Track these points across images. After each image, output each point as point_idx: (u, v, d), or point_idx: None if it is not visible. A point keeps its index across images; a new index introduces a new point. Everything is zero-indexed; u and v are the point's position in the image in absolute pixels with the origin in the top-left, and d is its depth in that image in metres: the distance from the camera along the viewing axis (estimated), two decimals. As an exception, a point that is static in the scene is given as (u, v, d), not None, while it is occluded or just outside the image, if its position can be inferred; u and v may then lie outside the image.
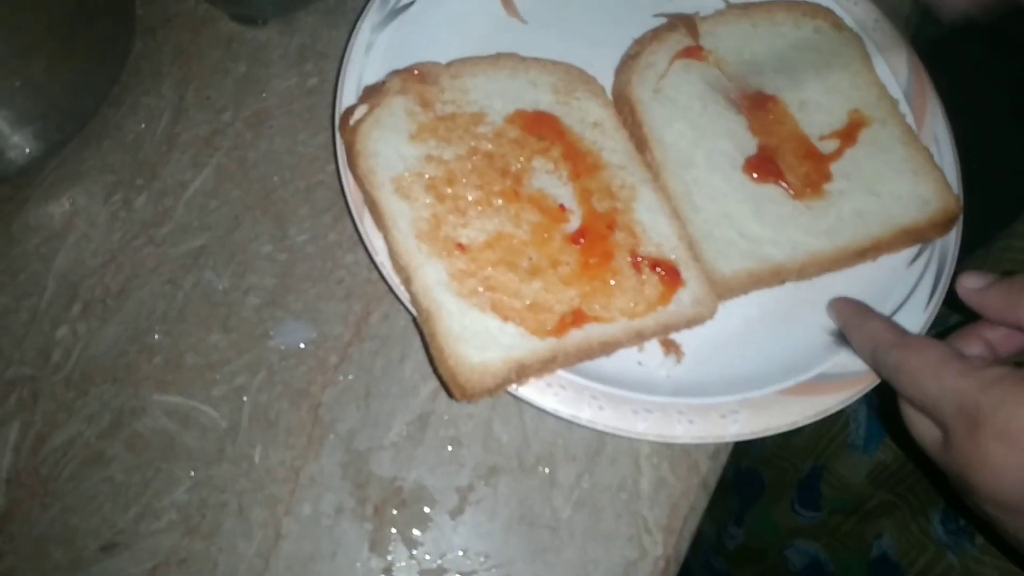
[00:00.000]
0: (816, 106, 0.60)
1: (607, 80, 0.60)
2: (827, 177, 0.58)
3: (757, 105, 0.60)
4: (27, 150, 0.54)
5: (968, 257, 0.87)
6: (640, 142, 0.58)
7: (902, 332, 0.47)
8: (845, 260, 0.56)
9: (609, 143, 0.57)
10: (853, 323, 0.51)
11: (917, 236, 0.57)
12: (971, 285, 0.46)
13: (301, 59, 0.61)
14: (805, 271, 0.55)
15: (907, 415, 0.45)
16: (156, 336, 0.52)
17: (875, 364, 0.48)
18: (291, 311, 0.54)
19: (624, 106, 0.59)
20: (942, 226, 0.57)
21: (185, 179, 0.57)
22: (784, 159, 0.58)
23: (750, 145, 0.58)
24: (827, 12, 0.64)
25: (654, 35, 0.61)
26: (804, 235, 0.56)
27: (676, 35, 0.61)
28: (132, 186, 0.56)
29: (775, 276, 0.55)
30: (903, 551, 0.67)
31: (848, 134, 0.60)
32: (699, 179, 0.56)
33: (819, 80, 0.61)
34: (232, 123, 0.59)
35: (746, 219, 0.55)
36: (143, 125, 0.58)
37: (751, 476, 0.92)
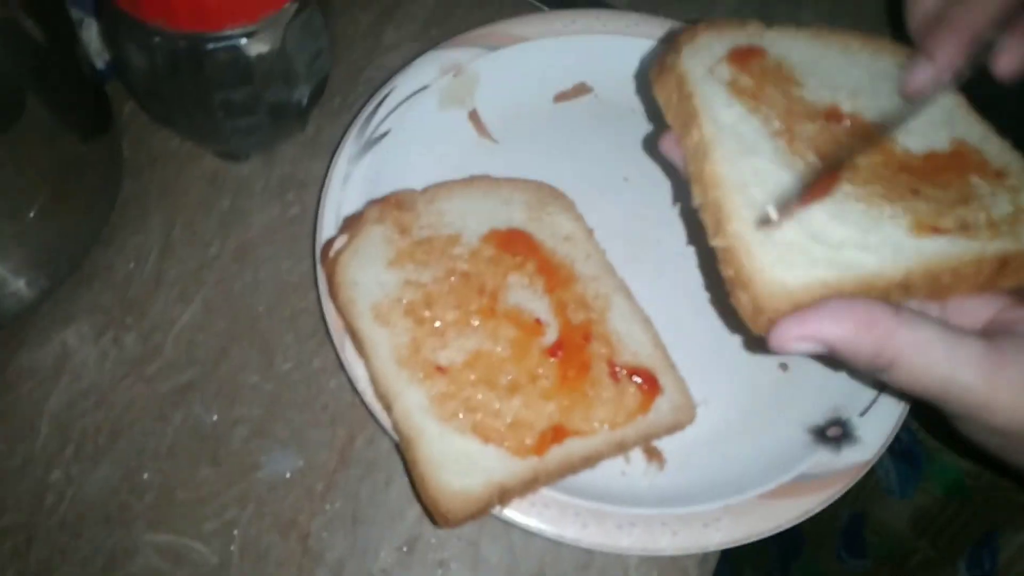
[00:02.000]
0: (907, 130, 0.48)
1: (576, 194, 0.62)
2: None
3: (832, 118, 0.48)
4: (21, 298, 0.56)
5: None
6: (687, 118, 0.46)
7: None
8: (970, 278, 0.42)
9: (581, 255, 0.59)
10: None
11: None
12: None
13: (282, 190, 0.64)
14: (913, 285, 0.41)
15: None
16: (147, 474, 0.53)
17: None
18: (278, 440, 0.55)
19: (668, 81, 0.49)
20: None
21: (173, 315, 0.58)
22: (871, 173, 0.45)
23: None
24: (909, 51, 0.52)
25: (710, 24, 0.51)
26: (907, 237, 0.41)
27: (736, 31, 0.51)
28: (122, 325, 0.58)
29: (868, 289, 0.40)
30: None
31: (956, 159, 0.47)
32: (762, 169, 0.43)
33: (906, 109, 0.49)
34: (218, 256, 0.61)
35: (821, 218, 0.42)
36: (132, 264, 0.60)
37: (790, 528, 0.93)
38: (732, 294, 0.41)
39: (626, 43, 0.68)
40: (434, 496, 0.48)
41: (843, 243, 0.41)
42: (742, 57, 0.49)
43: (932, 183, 0.44)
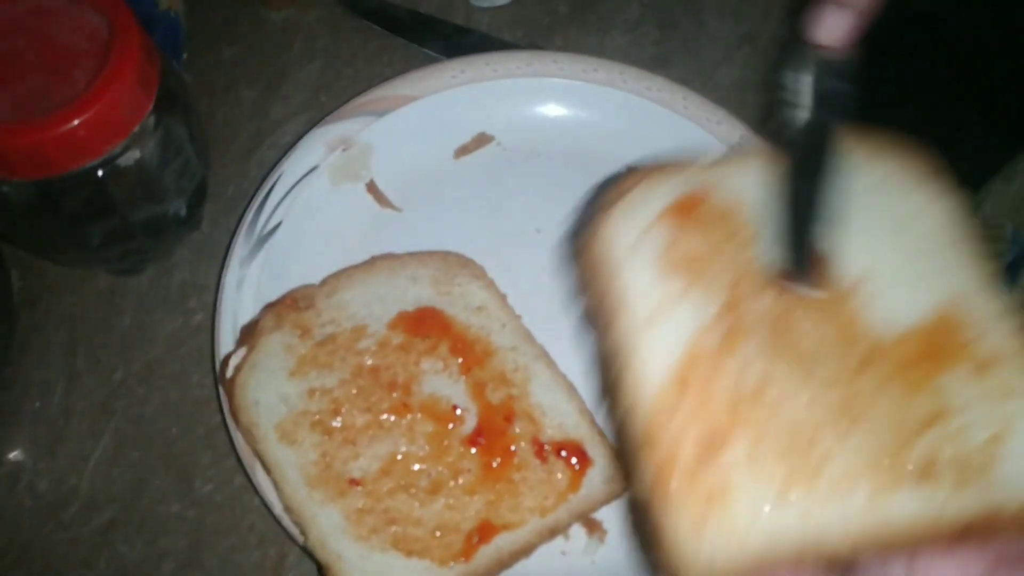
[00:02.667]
0: (885, 287, 0.37)
1: (486, 255, 0.60)
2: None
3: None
4: (-77, 460, 0.54)
5: None
6: (609, 309, 0.37)
7: None
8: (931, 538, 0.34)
9: (496, 325, 0.57)
10: None
11: None
12: None
13: (183, 298, 0.62)
14: (861, 548, 0.33)
15: None
16: (77, 626, 0.52)
17: None
18: (206, 570, 0.53)
19: (587, 258, 0.40)
20: None
21: (85, 451, 0.57)
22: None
23: None
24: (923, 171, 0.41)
25: (640, 175, 0.40)
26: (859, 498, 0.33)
27: (674, 178, 0.40)
28: (35, 471, 0.56)
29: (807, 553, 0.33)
30: None
31: (937, 339, 0.36)
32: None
33: (893, 247, 0.38)
34: (124, 380, 0.59)
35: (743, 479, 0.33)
36: (38, 403, 0.58)
37: None
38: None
39: (522, 84, 0.66)
40: (358, 626, 0.46)
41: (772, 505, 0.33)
42: (680, 213, 0.38)
43: (902, 396, 0.35)
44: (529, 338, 0.57)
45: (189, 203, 0.57)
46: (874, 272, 0.37)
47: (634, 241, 0.38)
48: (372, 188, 0.64)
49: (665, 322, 0.36)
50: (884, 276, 0.37)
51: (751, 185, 0.39)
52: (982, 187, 0.77)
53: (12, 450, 0.57)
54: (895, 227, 0.38)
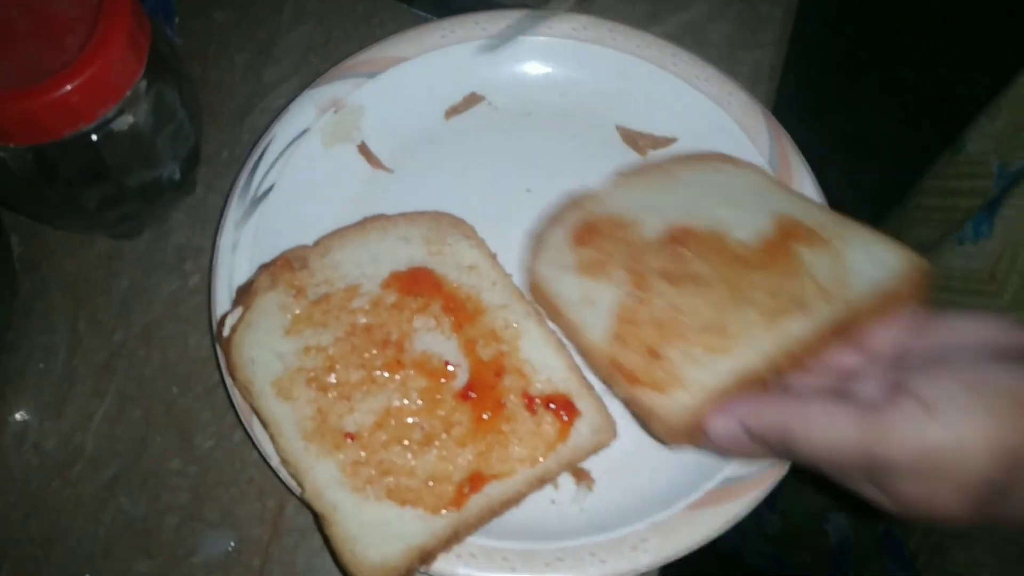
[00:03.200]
0: (733, 225, 0.53)
1: (477, 215, 0.60)
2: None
3: (674, 241, 0.53)
4: (-67, 421, 0.56)
5: (885, 219, 0.90)
6: (557, 317, 0.54)
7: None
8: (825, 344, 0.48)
9: (487, 283, 0.58)
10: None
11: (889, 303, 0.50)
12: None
13: (180, 260, 0.63)
14: (781, 367, 0.47)
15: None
16: (86, 577, 0.54)
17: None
18: (209, 522, 0.55)
19: (536, 289, 0.55)
20: (914, 288, 0.51)
21: (90, 411, 0.58)
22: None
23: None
24: (721, 156, 0.60)
25: (550, 221, 0.57)
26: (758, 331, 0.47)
27: (574, 211, 0.57)
28: (40, 431, 0.58)
29: (745, 384, 0.46)
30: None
31: (784, 236, 0.52)
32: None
33: (728, 202, 0.55)
34: (125, 342, 0.60)
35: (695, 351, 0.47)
36: (42, 365, 0.60)
37: None
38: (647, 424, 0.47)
39: (512, 43, 0.66)
40: (353, 571, 0.48)
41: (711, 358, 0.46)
42: (581, 236, 0.55)
43: (770, 269, 0.50)
44: (519, 296, 0.58)
45: (183, 167, 0.58)
46: (725, 218, 0.54)
47: (556, 272, 0.54)
48: (363, 149, 0.64)
49: (595, 303, 0.51)
50: (734, 219, 0.54)
51: (625, 199, 0.57)
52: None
53: (18, 411, 0.59)
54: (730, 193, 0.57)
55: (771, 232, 0.53)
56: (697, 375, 0.46)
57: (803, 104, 0.59)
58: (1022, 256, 0.68)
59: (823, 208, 0.56)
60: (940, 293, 0.78)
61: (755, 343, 0.47)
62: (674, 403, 0.45)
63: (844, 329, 0.48)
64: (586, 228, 0.56)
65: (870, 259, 0.51)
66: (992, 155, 0.78)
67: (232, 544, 0.55)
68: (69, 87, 0.47)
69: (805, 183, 0.61)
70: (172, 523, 0.55)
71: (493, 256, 0.59)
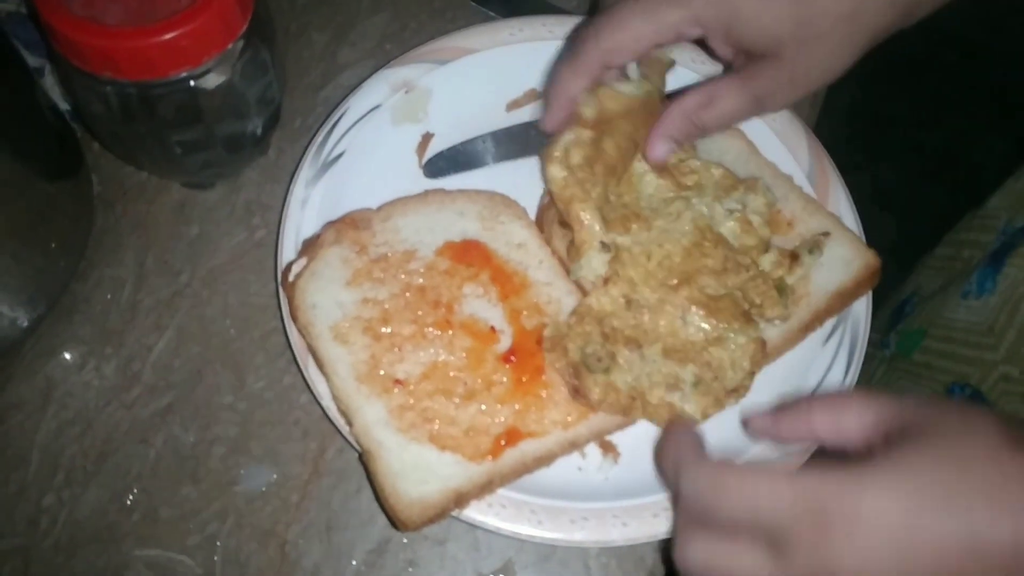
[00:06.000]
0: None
1: (529, 201, 0.64)
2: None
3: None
4: (5, 335, 0.59)
5: (914, 269, 0.93)
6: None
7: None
8: (793, 341, 0.60)
9: (534, 261, 0.62)
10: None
11: (847, 298, 0.61)
12: (762, 424, 0.52)
13: (248, 214, 0.67)
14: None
15: (715, 553, 0.43)
16: (133, 494, 0.57)
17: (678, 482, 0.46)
18: (254, 456, 0.59)
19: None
20: (867, 282, 0.61)
21: (149, 343, 0.62)
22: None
23: None
24: None
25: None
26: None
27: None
28: (102, 356, 0.61)
29: None
30: None
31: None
32: None
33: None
34: (189, 283, 0.64)
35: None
36: (108, 296, 0.63)
37: None
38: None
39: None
40: (393, 505, 0.51)
41: None
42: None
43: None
44: (563, 276, 0.62)
45: (264, 125, 0.62)
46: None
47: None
48: (426, 139, 0.68)
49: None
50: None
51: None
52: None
53: (83, 334, 0.62)
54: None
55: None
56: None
57: (832, 153, 0.65)
58: (1021, 311, 0.72)
59: (795, 188, 0.64)
60: (940, 343, 0.81)
61: None
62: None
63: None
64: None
65: (829, 254, 0.60)
66: (1003, 211, 0.82)
67: (274, 477, 0.58)
68: (180, 31, 0.52)
69: (841, 200, 0.65)
70: (219, 453, 0.58)
71: (542, 237, 0.63)
